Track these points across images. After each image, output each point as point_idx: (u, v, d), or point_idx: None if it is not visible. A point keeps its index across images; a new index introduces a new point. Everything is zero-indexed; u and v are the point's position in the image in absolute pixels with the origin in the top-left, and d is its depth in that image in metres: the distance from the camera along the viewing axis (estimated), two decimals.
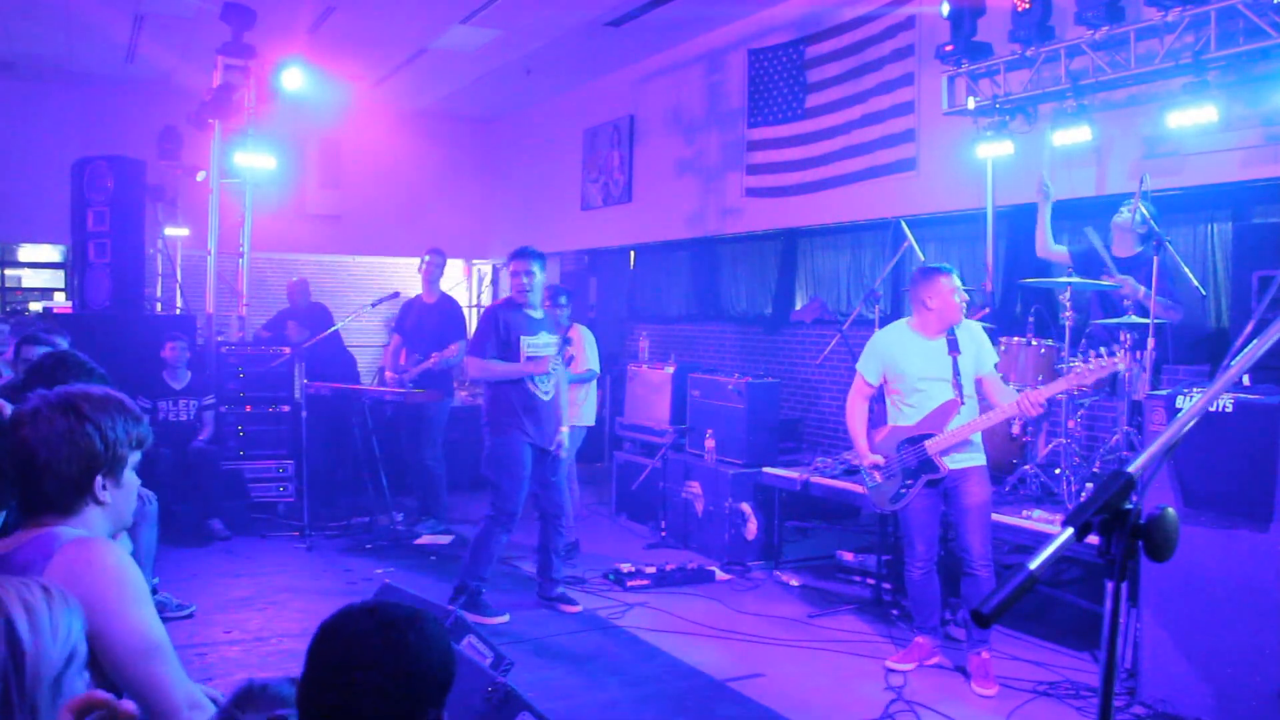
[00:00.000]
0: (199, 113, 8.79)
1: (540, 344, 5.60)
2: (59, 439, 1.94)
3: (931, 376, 4.64)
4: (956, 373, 4.60)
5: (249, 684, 1.68)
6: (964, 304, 4.71)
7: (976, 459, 4.66)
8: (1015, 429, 5.74)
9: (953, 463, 4.60)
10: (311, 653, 1.61)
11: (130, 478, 2.06)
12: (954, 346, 4.63)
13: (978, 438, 4.68)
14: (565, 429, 5.74)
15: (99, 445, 1.97)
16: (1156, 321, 5.15)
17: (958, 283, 4.70)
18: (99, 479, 1.98)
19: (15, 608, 1.45)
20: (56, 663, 1.46)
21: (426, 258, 7.83)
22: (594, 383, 7.09)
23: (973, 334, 4.71)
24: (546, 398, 5.58)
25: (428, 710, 1.60)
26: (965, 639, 4.80)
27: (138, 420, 2.05)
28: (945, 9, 6.62)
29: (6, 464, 1.98)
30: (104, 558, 1.89)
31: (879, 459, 4.77)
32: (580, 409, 6.93)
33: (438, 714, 1.62)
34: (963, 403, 4.59)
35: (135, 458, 2.06)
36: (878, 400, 5.06)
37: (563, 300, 6.95)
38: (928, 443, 4.60)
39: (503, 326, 5.55)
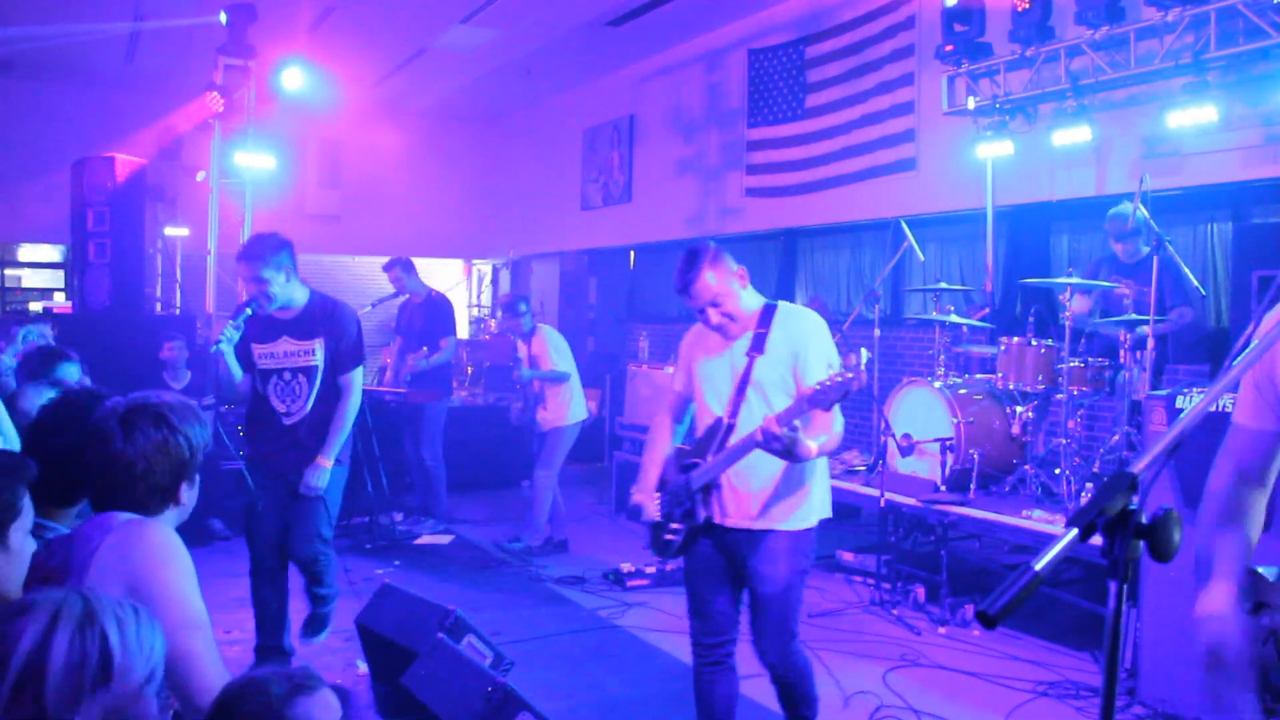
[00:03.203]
0: (199, 113, 8.79)
1: (278, 351, 4.32)
2: (156, 451, 2.05)
3: (720, 382, 3.31)
4: (745, 380, 3.23)
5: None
6: (717, 328, 3.29)
7: (781, 519, 3.23)
8: (1015, 429, 5.75)
9: (737, 518, 3.25)
10: None
11: (197, 476, 2.18)
12: (757, 344, 3.23)
13: (791, 485, 3.23)
14: (326, 463, 4.31)
15: (188, 454, 2.10)
16: (1158, 320, 5.15)
17: (701, 295, 3.25)
18: (184, 483, 2.11)
19: (109, 619, 1.51)
20: (138, 679, 1.51)
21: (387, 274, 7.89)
22: (573, 382, 6.99)
23: (796, 331, 3.25)
24: (288, 419, 4.33)
25: None
26: None
27: (205, 424, 2.19)
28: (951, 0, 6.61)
29: (95, 473, 2.07)
30: (154, 535, 2.00)
31: (643, 495, 3.41)
32: (563, 409, 6.93)
33: None
34: (733, 424, 3.22)
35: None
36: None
37: (522, 308, 6.97)
38: (692, 474, 3.30)
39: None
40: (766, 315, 3.29)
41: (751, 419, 3.14)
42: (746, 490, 3.24)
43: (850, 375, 2.91)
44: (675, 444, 3.52)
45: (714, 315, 3.26)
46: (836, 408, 3.06)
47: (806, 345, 3.23)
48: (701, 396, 3.38)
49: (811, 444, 3.03)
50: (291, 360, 4.31)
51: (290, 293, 4.27)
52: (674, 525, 3.36)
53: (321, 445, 4.30)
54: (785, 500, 3.23)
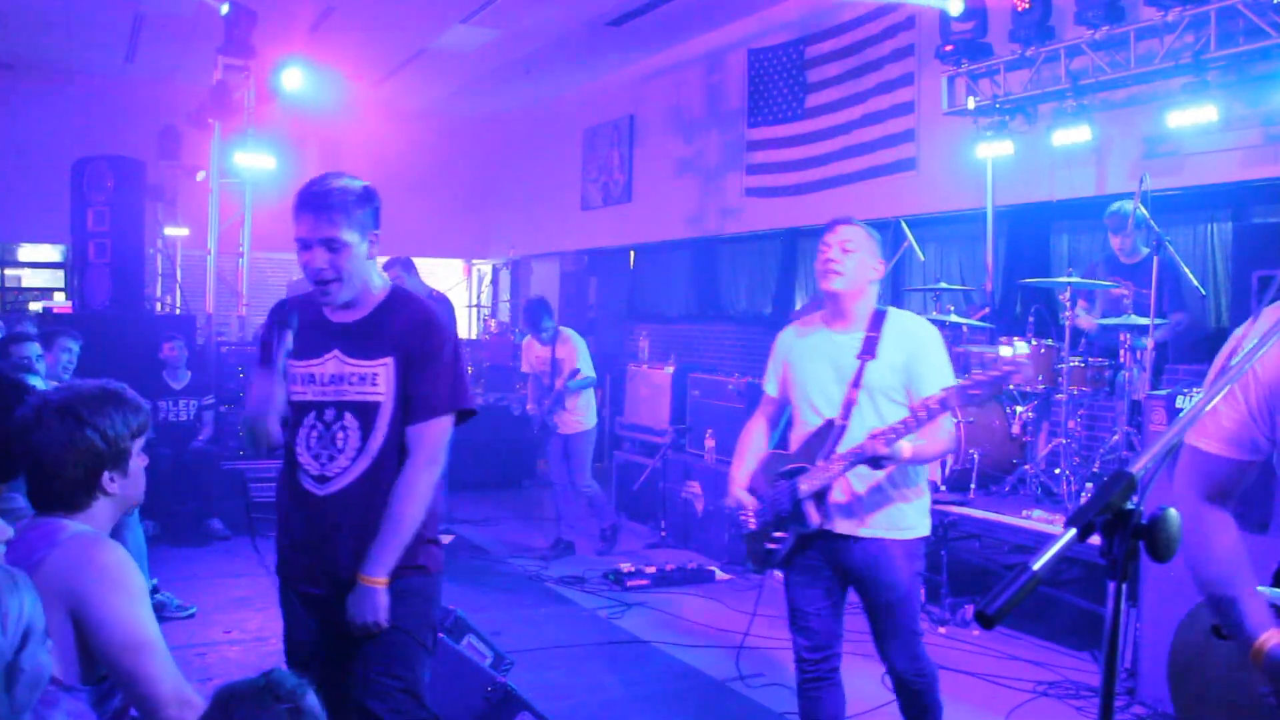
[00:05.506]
0: (199, 113, 8.80)
1: (322, 374, 2.64)
2: (61, 446, 2.01)
3: (827, 385, 3.18)
4: (857, 384, 3.12)
5: (229, 688, 1.71)
6: (828, 265, 3.14)
7: (894, 527, 3.14)
8: (1015, 429, 5.75)
9: (849, 526, 3.13)
10: None
11: (136, 464, 2.13)
12: (869, 348, 3.13)
13: (905, 492, 3.16)
14: (375, 581, 2.52)
15: (101, 445, 2.04)
16: (1157, 322, 5.15)
17: (842, 234, 3.15)
18: (106, 474, 2.06)
19: None
20: (8, 649, 1.51)
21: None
22: (592, 388, 7.02)
23: (909, 337, 3.15)
24: (322, 488, 2.60)
25: None
26: None
27: (136, 410, 2.11)
28: (958, 8, 6.59)
29: (20, 469, 2.09)
30: (101, 554, 1.98)
31: (743, 496, 3.29)
32: (586, 411, 6.92)
33: None
34: (845, 426, 3.12)
35: (139, 444, 2.13)
36: None
37: (546, 322, 6.90)
38: (800, 479, 3.13)
39: (267, 335, 2.74)
40: (878, 319, 3.18)
41: (863, 423, 3.09)
42: (861, 497, 3.13)
43: (1010, 368, 2.87)
44: (768, 449, 3.40)
45: (834, 250, 3.13)
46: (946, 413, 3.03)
47: (920, 355, 3.12)
48: (805, 398, 3.25)
49: (906, 446, 2.97)
50: (339, 390, 2.62)
51: (366, 276, 2.66)
52: (777, 534, 3.22)
53: (372, 546, 2.54)
54: (899, 508, 3.16)
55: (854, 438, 3.07)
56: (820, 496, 3.11)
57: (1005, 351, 2.88)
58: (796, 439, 3.27)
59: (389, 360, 2.61)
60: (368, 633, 2.54)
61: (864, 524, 3.14)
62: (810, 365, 3.24)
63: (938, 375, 3.10)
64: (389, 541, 2.54)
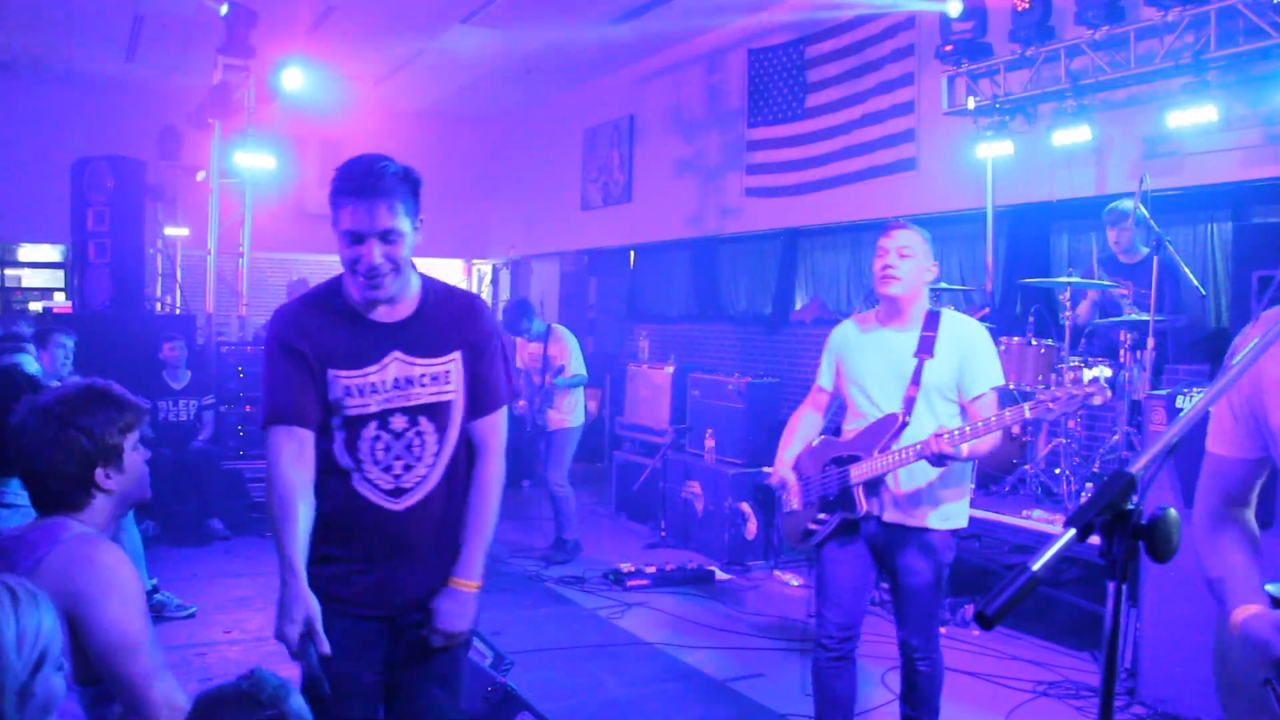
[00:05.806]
0: (199, 113, 8.80)
1: (383, 380, 2.39)
2: (48, 447, 2.03)
3: (884, 380, 3.36)
4: (916, 381, 3.29)
5: (214, 690, 1.70)
6: (886, 271, 3.35)
7: (933, 517, 3.32)
8: (1015, 428, 5.75)
9: (897, 515, 3.33)
10: None
11: (133, 458, 2.13)
12: (925, 347, 3.31)
13: (952, 486, 3.34)
14: (471, 585, 2.44)
15: (87, 443, 2.05)
16: (1157, 319, 5.15)
17: (899, 239, 3.41)
18: (99, 471, 2.07)
19: None
20: (22, 671, 1.51)
21: None
22: (581, 387, 6.99)
23: (964, 338, 3.34)
24: (396, 502, 2.39)
25: None
26: None
27: (122, 406, 2.12)
28: (957, 9, 6.59)
29: (15, 466, 2.11)
30: (99, 555, 1.99)
31: (788, 475, 3.48)
32: (574, 410, 6.91)
33: None
34: (907, 422, 3.27)
35: (132, 439, 2.13)
36: None
37: (524, 324, 6.89)
38: (853, 466, 3.31)
39: (297, 344, 2.39)
40: (933, 319, 3.36)
41: (920, 421, 3.25)
42: (912, 489, 3.31)
43: (1092, 390, 2.98)
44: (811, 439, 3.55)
45: (892, 256, 3.36)
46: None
47: (973, 355, 3.30)
48: (862, 392, 3.40)
49: (965, 446, 3.11)
50: (406, 394, 2.40)
51: (408, 271, 2.44)
52: (821, 515, 3.41)
53: (457, 552, 2.44)
54: (945, 501, 3.33)
55: (914, 434, 3.22)
56: (872, 485, 3.31)
57: (1088, 374, 2.97)
58: (851, 430, 3.43)
59: (457, 355, 2.45)
60: (450, 643, 2.42)
61: (911, 515, 3.31)
62: (867, 361, 3.41)
63: (988, 375, 3.31)
64: (480, 541, 2.45)
